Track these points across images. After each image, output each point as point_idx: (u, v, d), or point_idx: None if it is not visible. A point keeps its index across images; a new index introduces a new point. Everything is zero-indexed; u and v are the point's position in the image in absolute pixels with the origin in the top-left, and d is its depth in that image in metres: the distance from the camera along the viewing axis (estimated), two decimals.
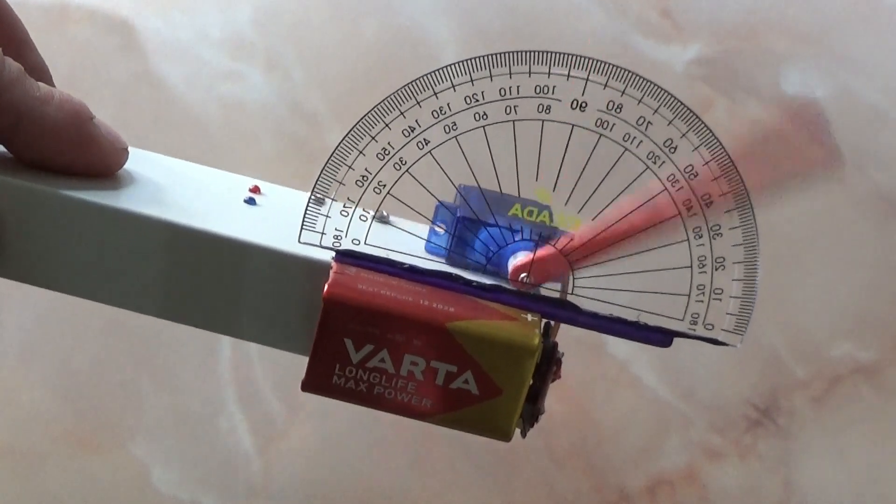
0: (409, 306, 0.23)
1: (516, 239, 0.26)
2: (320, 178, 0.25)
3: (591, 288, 0.26)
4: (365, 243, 0.25)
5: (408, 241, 0.27)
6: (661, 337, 0.25)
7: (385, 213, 0.27)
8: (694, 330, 0.25)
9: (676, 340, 0.26)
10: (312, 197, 0.25)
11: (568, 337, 0.50)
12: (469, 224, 0.26)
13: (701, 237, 0.25)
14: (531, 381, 0.24)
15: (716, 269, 0.25)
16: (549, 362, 0.24)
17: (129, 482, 0.43)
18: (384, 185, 0.25)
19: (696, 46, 0.56)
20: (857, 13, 0.59)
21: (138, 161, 0.27)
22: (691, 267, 0.25)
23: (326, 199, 0.25)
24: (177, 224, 0.24)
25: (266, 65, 0.54)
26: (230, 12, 0.56)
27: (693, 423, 0.46)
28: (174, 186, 0.27)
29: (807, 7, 0.58)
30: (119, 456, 0.43)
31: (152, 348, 0.45)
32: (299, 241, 0.24)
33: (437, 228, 0.26)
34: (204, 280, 0.25)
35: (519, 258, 0.25)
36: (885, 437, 0.46)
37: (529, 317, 0.24)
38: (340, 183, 0.25)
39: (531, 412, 0.25)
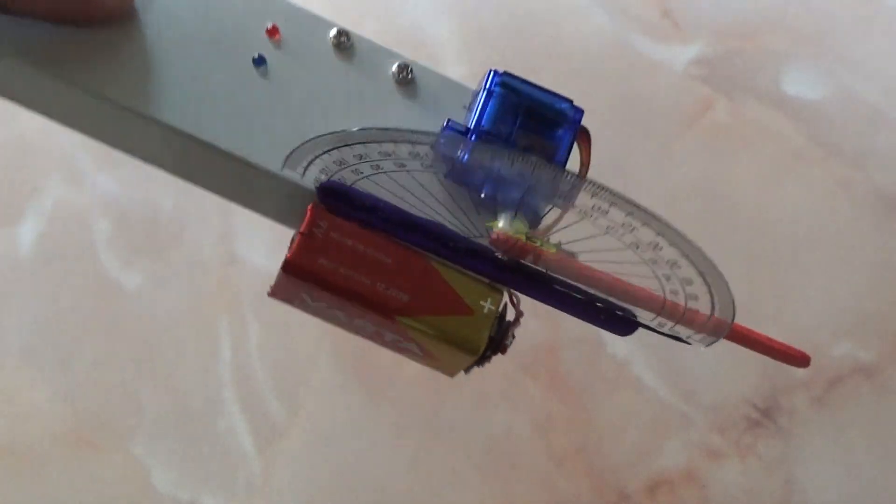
0: (365, 290, 0.24)
1: (515, 196, 0.25)
2: None
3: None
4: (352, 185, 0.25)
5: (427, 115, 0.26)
6: (624, 328, 0.26)
7: (410, 65, 0.26)
8: (662, 326, 0.25)
9: (675, 341, 0.26)
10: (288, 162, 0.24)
11: (568, 337, 0.50)
12: (474, 160, 0.25)
13: (672, 286, 0.25)
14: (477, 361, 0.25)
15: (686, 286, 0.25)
16: (496, 348, 0.25)
17: (129, 482, 0.43)
18: (360, 172, 0.25)
19: (696, 46, 0.56)
20: (857, 13, 0.59)
21: None
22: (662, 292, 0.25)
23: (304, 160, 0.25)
24: (178, 129, 0.24)
25: None
26: None
27: (693, 423, 0.46)
28: (182, 38, 0.25)
29: (807, 7, 0.58)
30: (119, 456, 0.43)
31: (152, 348, 0.45)
32: (281, 170, 0.24)
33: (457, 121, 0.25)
34: (210, 168, 0.25)
35: (503, 225, 0.25)
36: (885, 437, 0.46)
37: (488, 305, 0.24)
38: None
39: (478, 364, 0.26)
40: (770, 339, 0.26)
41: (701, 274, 0.24)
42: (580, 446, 0.45)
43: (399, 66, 0.26)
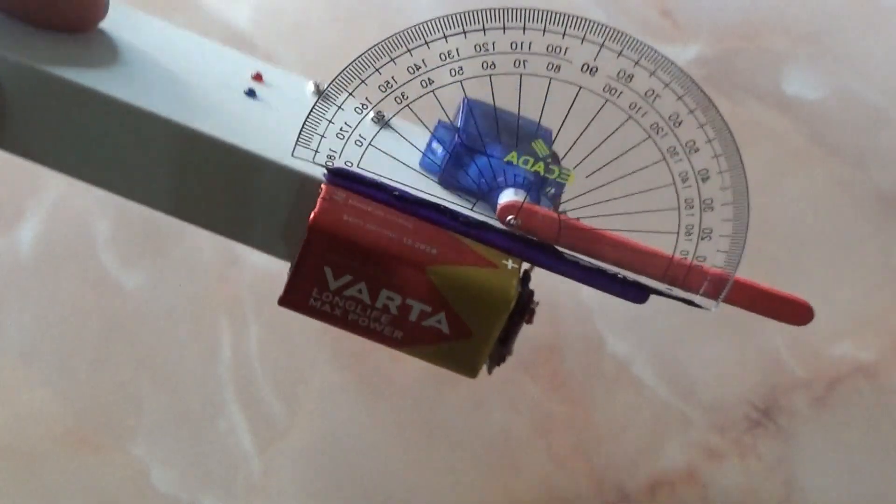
0: (392, 244, 0.24)
1: (511, 176, 0.26)
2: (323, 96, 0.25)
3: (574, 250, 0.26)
4: (357, 167, 0.25)
5: (403, 151, 0.26)
6: (637, 293, 0.26)
7: (384, 114, 0.27)
8: (671, 290, 0.26)
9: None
10: (309, 118, 0.25)
11: (568, 336, 0.50)
12: (466, 149, 0.26)
13: (691, 207, 0.25)
14: (503, 327, 0.24)
15: (701, 239, 0.25)
16: (521, 311, 0.24)
17: (129, 482, 0.43)
18: (383, 116, 0.25)
19: (696, 46, 0.56)
20: (857, 13, 0.58)
21: (125, 23, 0.26)
22: (678, 234, 0.25)
23: (329, 107, 0.25)
24: (178, 123, 0.24)
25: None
26: (230, 12, 0.56)
27: (693, 423, 0.46)
28: (172, 66, 0.26)
29: (807, 7, 0.58)
30: (119, 456, 0.43)
31: (152, 348, 0.45)
32: (293, 156, 0.24)
33: (434, 146, 0.26)
34: (209, 179, 0.25)
35: (509, 197, 0.25)
36: (885, 437, 0.46)
37: (510, 263, 0.25)
38: (340, 108, 0.25)
39: (499, 353, 0.25)
40: (772, 291, 0.26)
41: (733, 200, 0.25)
42: (580, 446, 0.45)
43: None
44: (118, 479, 0.43)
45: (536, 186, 0.25)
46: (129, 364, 0.45)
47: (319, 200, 0.24)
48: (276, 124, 0.26)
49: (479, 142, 0.26)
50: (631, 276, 0.25)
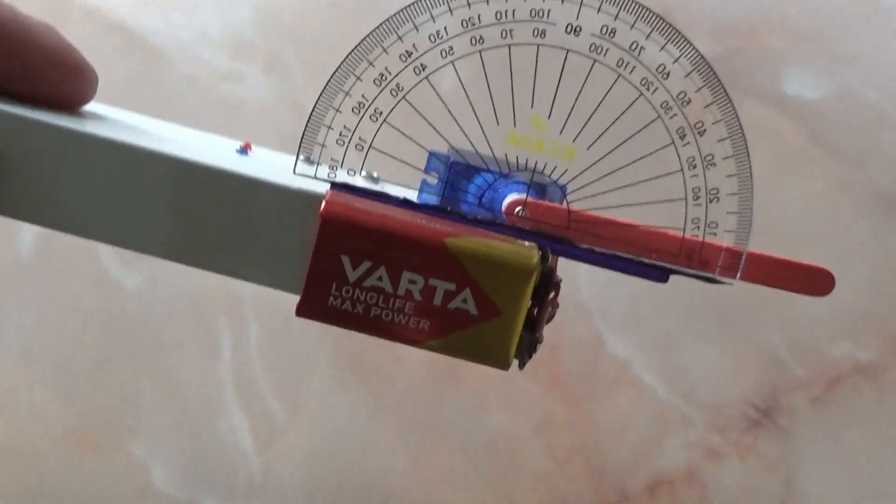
0: (407, 225, 0.23)
1: (512, 186, 0.26)
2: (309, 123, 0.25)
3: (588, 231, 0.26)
4: (360, 174, 0.25)
5: (399, 193, 0.27)
6: (658, 273, 0.26)
7: (375, 175, 0.27)
8: (690, 266, 0.25)
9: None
10: (308, 125, 0.25)
11: (568, 336, 0.50)
12: (462, 170, 0.26)
13: (694, 167, 0.25)
14: (529, 303, 0.24)
15: (710, 201, 0.25)
16: (546, 286, 0.24)
17: (129, 482, 0.43)
18: (381, 112, 0.25)
19: (697, 46, 0.56)
20: (857, 13, 0.59)
21: (106, 112, 0.27)
22: (686, 199, 0.25)
23: (321, 128, 0.25)
24: (182, 158, 0.24)
25: (266, 65, 0.54)
26: (230, 12, 0.56)
27: (693, 423, 0.46)
28: (161, 130, 0.27)
29: (807, 7, 0.58)
30: (119, 456, 0.43)
31: (152, 348, 0.45)
32: (294, 173, 0.24)
33: (428, 178, 0.26)
34: (208, 216, 0.24)
35: (514, 196, 0.25)
36: (885, 437, 0.46)
37: (527, 243, 0.24)
38: (337, 110, 0.25)
39: (529, 341, 0.24)
40: (789, 260, 0.26)
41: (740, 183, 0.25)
42: (580, 446, 0.45)
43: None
44: (118, 479, 0.43)
45: (537, 192, 0.25)
46: (129, 364, 0.45)
47: (325, 200, 0.23)
48: (270, 167, 0.26)
49: (470, 165, 0.26)
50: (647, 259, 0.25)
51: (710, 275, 0.25)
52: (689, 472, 0.45)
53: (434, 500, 0.44)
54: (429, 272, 0.23)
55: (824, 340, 0.48)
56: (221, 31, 0.55)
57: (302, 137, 0.24)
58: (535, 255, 0.23)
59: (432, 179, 0.26)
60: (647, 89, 0.25)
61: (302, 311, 0.23)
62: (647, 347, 0.47)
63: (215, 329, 0.46)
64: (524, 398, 0.46)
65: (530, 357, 0.25)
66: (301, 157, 0.25)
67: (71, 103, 0.25)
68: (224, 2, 0.56)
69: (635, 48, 0.24)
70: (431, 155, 0.26)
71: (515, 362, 0.25)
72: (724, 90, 0.25)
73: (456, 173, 0.26)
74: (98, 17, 0.55)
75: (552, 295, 0.24)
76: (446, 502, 0.44)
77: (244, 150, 0.28)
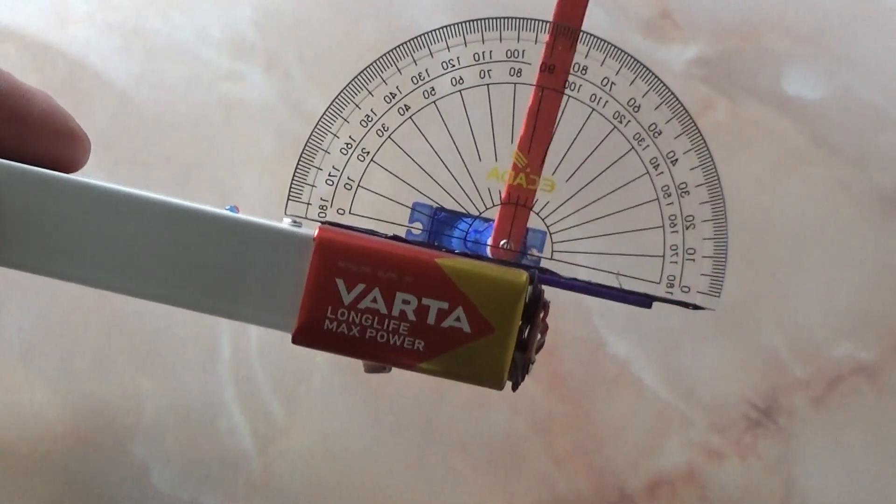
0: (399, 247, 0.24)
1: (493, 223, 0.27)
2: (305, 151, 0.26)
3: (568, 252, 0.27)
4: (349, 213, 0.26)
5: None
6: (641, 299, 0.27)
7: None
8: (671, 294, 0.26)
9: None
10: (298, 168, 0.25)
11: (568, 337, 0.50)
12: (445, 218, 0.27)
13: (669, 195, 0.26)
14: (521, 321, 0.24)
15: (686, 228, 0.26)
16: (536, 304, 0.24)
17: (129, 482, 0.43)
18: (368, 153, 0.26)
19: (696, 46, 0.56)
20: (857, 13, 0.58)
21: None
22: (662, 227, 0.26)
23: (311, 168, 0.26)
24: (176, 203, 0.25)
25: (266, 65, 0.54)
26: (230, 12, 0.56)
27: (693, 423, 0.46)
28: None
29: (807, 7, 0.58)
30: (119, 456, 0.43)
31: (152, 348, 0.45)
32: (286, 214, 0.25)
33: (413, 230, 0.27)
34: (202, 260, 0.25)
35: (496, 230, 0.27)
36: (886, 437, 0.46)
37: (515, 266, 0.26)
38: (326, 151, 0.26)
39: (522, 362, 0.25)
40: None
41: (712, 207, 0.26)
42: (580, 446, 0.45)
43: None
44: (118, 479, 0.43)
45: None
46: (129, 364, 0.45)
47: (318, 227, 0.25)
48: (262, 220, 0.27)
49: (453, 212, 0.27)
50: (630, 284, 0.26)
51: (691, 302, 0.26)
52: (689, 472, 0.45)
53: (434, 500, 0.44)
54: (422, 291, 0.24)
55: (824, 340, 0.48)
56: (221, 31, 0.55)
57: (293, 178, 0.25)
58: (525, 273, 0.24)
59: (416, 230, 0.27)
60: (620, 122, 0.26)
61: (299, 337, 0.24)
62: (647, 347, 0.47)
63: (215, 329, 0.46)
64: (524, 398, 0.46)
65: (523, 378, 0.25)
66: (291, 197, 0.26)
67: (65, 169, 0.26)
68: (224, 2, 0.56)
69: (606, 83, 0.26)
70: (414, 207, 0.27)
71: (509, 385, 0.25)
72: (692, 119, 0.26)
73: (439, 222, 0.27)
74: (98, 17, 0.55)
75: (542, 315, 0.25)
76: (446, 502, 0.44)
77: (234, 209, 0.28)
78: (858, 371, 0.48)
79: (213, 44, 0.54)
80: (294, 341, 0.24)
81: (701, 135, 0.25)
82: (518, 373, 0.25)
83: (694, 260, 0.26)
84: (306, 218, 0.25)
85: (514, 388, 0.25)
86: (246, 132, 0.51)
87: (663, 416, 0.46)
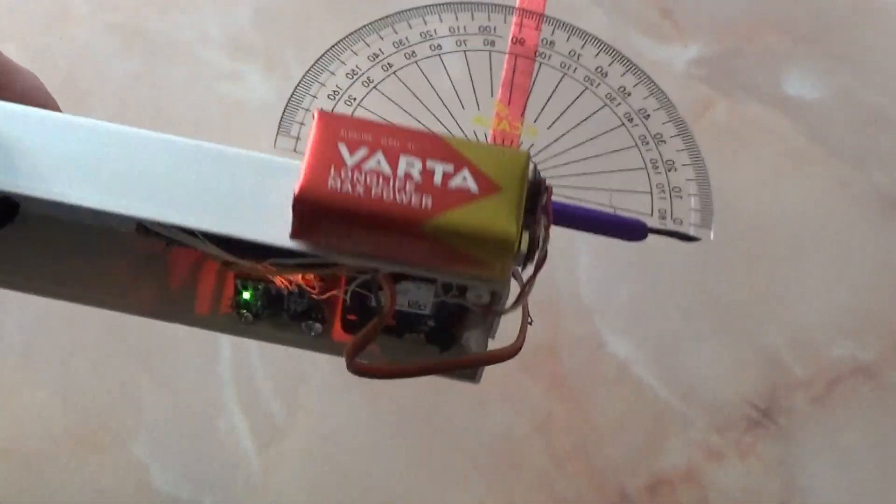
0: (401, 126, 0.24)
1: None
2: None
3: (559, 187, 0.27)
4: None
5: None
6: (636, 224, 0.26)
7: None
8: (665, 225, 0.26)
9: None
10: (287, 108, 0.25)
11: (568, 337, 0.50)
12: None
13: (647, 143, 0.27)
14: (527, 185, 0.24)
15: (668, 171, 0.27)
16: (538, 192, 0.24)
17: (129, 482, 0.43)
18: (355, 99, 0.27)
19: (696, 46, 0.56)
20: (857, 13, 0.59)
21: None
22: (646, 168, 0.27)
23: (299, 110, 0.26)
24: (166, 137, 0.25)
25: (266, 65, 0.54)
26: (230, 12, 0.56)
27: (693, 423, 0.46)
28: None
29: (807, 7, 0.58)
30: (119, 456, 0.43)
31: (152, 348, 0.45)
32: (275, 147, 0.25)
33: None
34: (196, 184, 0.25)
35: None
36: (886, 437, 0.46)
37: None
38: (313, 97, 0.26)
39: (531, 242, 0.24)
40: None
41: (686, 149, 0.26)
42: (580, 446, 0.45)
43: None
44: (118, 479, 0.43)
45: None
46: (129, 364, 0.45)
47: (317, 110, 0.24)
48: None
49: None
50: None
51: (685, 232, 0.26)
52: (689, 472, 0.45)
53: (434, 500, 0.44)
54: (426, 155, 0.23)
55: (824, 340, 0.48)
56: (221, 31, 0.55)
57: (281, 117, 0.26)
58: (526, 151, 0.24)
59: None
60: (591, 84, 0.28)
61: (302, 197, 0.23)
62: (647, 347, 0.47)
63: None
64: (524, 398, 0.46)
65: (533, 266, 0.24)
66: (281, 132, 0.25)
67: None
68: (224, 2, 0.56)
69: (573, 55, 0.28)
70: None
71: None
72: (655, 83, 0.28)
73: None
74: (98, 17, 0.55)
75: (545, 199, 0.24)
76: (446, 502, 0.44)
77: None
78: (858, 371, 0.48)
79: (213, 44, 0.54)
80: (296, 202, 0.23)
81: (666, 96, 0.27)
82: (525, 257, 0.24)
83: (681, 197, 0.26)
84: (296, 151, 0.25)
85: (522, 269, 0.24)
86: (246, 132, 0.51)
87: (663, 416, 0.46)
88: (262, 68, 0.54)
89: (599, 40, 0.28)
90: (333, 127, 0.23)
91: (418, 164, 0.23)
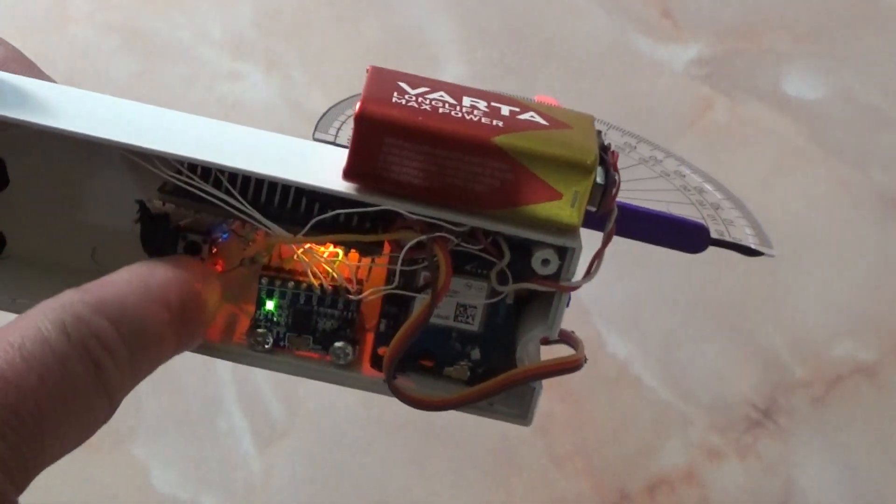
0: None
1: None
2: None
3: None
4: None
5: None
6: (699, 230, 0.25)
7: None
8: (725, 236, 0.26)
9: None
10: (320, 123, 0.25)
11: None
12: None
13: (688, 191, 0.27)
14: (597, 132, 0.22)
15: (716, 209, 0.27)
16: (605, 149, 0.22)
17: (129, 482, 0.43)
18: None
19: (696, 46, 0.56)
20: (857, 13, 0.59)
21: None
22: (694, 205, 0.27)
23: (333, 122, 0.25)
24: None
25: (266, 65, 0.54)
26: (230, 12, 0.56)
27: (693, 423, 0.46)
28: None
29: (807, 7, 0.58)
30: (119, 456, 0.43)
31: None
32: (314, 138, 0.24)
33: None
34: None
35: None
36: (885, 437, 0.46)
37: None
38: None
39: (606, 178, 0.21)
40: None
41: (728, 198, 0.26)
42: (580, 446, 0.45)
43: None
44: (118, 479, 0.43)
45: None
46: None
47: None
48: None
49: None
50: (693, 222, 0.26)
51: (749, 245, 0.25)
52: (689, 472, 0.45)
53: (434, 501, 0.44)
54: (489, 98, 0.22)
55: (824, 340, 0.48)
56: (221, 31, 0.55)
57: (317, 125, 0.25)
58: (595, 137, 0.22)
59: None
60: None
61: (366, 108, 0.20)
62: (647, 347, 0.47)
63: None
64: None
65: (607, 203, 0.21)
66: (318, 129, 0.25)
67: None
68: (224, 2, 0.56)
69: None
70: None
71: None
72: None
73: None
74: (98, 17, 0.55)
75: (613, 157, 0.21)
76: (446, 502, 0.44)
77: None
78: (858, 371, 0.48)
79: (213, 44, 0.54)
80: (359, 118, 0.20)
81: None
82: (601, 194, 0.21)
83: (734, 225, 0.26)
84: (335, 144, 0.25)
85: (597, 211, 0.21)
86: None
87: (663, 416, 0.46)
88: (262, 68, 0.54)
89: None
90: (389, 74, 0.22)
91: (483, 103, 0.21)
